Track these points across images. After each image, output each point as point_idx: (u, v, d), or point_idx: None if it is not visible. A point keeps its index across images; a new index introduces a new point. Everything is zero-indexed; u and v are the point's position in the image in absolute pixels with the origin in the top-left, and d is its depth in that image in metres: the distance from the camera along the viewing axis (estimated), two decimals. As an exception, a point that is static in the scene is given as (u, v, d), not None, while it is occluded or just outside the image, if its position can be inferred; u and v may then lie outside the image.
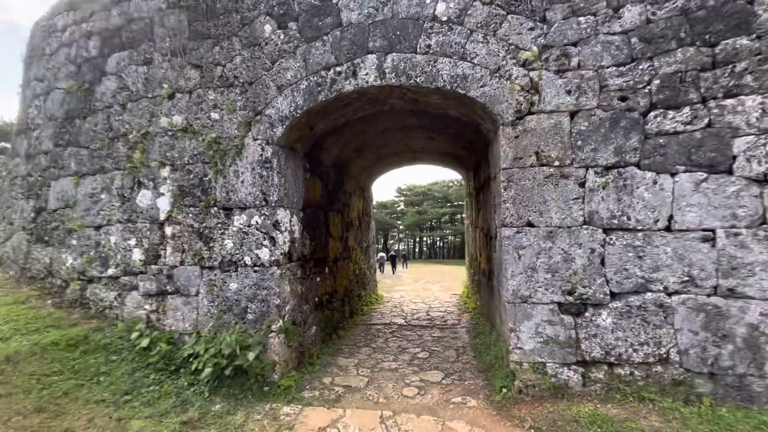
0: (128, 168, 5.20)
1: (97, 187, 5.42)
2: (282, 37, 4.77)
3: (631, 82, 3.94)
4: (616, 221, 3.92)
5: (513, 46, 4.26)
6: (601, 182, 3.97)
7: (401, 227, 54.39)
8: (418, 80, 4.42)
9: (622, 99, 3.97)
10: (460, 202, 49.97)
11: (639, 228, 3.85)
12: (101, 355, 4.50)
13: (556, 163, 4.10)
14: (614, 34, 4.02)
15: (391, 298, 11.19)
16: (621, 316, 3.85)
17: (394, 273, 24.86)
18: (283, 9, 4.80)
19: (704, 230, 3.69)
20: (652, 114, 3.88)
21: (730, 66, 3.67)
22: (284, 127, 4.70)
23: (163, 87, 5.09)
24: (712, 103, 3.71)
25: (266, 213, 4.68)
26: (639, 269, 3.84)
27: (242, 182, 4.76)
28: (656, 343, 3.75)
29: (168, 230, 4.97)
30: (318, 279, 6.05)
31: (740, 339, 3.55)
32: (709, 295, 3.65)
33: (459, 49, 4.36)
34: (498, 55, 4.28)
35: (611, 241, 3.93)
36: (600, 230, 3.96)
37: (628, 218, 3.89)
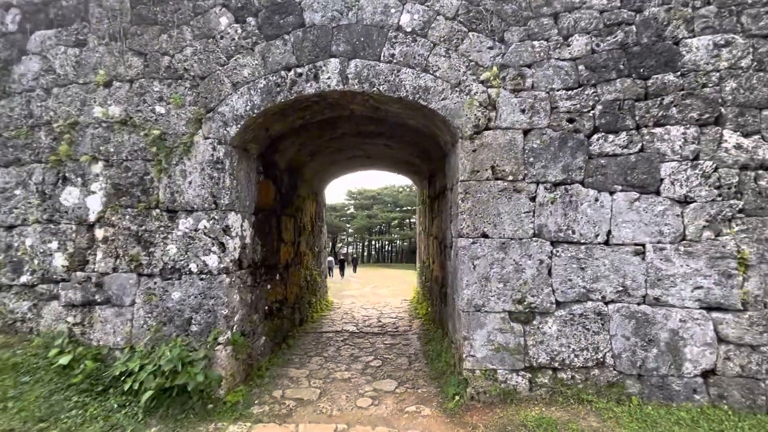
0: (51, 161, 4.59)
1: (10, 180, 4.72)
2: (239, 31, 4.52)
3: (578, 106, 4.25)
4: (562, 234, 4.20)
5: (473, 63, 4.41)
6: (550, 197, 4.23)
7: (350, 230, 54.25)
8: (381, 88, 4.41)
9: (570, 121, 4.27)
10: (410, 207, 50.99)
11: (582, 241, 4.16)
12: (9, 377, 3.90)
13: (510, 178, 4.29)
14: (564, 60, 4.32)
15: (342, 304, 11.05)
16: (565, 324, 4.12)
17: (342, 277, 24.65)
18: (241, 2, 4.55)
19: (636, 245, 4.07)
20: (595, 136, 4.22)
21: (659, 98, 4.11)
22: (239, 126, 4.45)
23: (99, 73, 4.58)
24: (644, 130, 4.12)
25: (216, 217, 4.38)
26: (581, 280, 4.13)
27: (190, 183, 4.41)
28: (594, 348, 4.06)
29: (99, 233, 4.46)
30: (269, 286, 5.79)
31: (663, 343, 3.95)
32: (639, 304, 4.03)
33: (422, 60, 4.42)
34: (459, 70, 4.41)
35: (558, 253, 4.20)
36: (548, 243, 4.21)
37: (573, 232, 4.18)
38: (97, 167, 4.52)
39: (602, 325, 4.07)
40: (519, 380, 4.11)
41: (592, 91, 4.25)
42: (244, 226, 4.82)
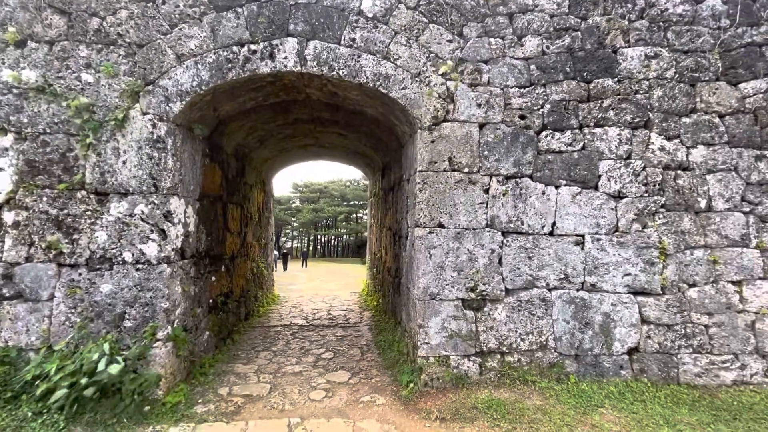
0: (-56, 130, 3.86)
1: None
2: (185, -2, 4.12)
3: (530, 103, 4.48)
4: (512, 225, 4.41)
5: (433, 54, 4.45)
6: (502, 190, 4.42)
7: (296, 224, 52.90)
8: (340, 73, 4.29)
9: (522, 117, 4.49)
10: (357, 202, 50.90)
11: (530, 232, 4.40)
12: None
13: (466, 170, 4.41)
14: (518, 58, 4.51)
15: (289, 297, 10.72)
16: (513, 310, 4.34)
17: (285, 270, 24.02)
18: (187, -34, 4.14)
19: (577, 235, 4.40)
20: (543, 133, 4.47)
21: (599, 101, 4.46)
22: (184, 103, 4.07)
23: (8, 30, 3.91)
24: (586, 130, 4.45)
25: (156, 201, 3.97)
26: (529, 268, 4.38)
27: (124, 163, 3.95)
28: (538, 332, 4.34)
29: (8, 216, 3.84)
30: (213, 278, 5.41)
31: (597, 325, 4.33)
32: (578, 290, 4.37)
33: (383, 48, 4.37)
34: (419, 61, 4.42)
35: (508, 243, 4.40)
36: (499, 233, 4.40)
37: (522, 223, 4.41)
38: (6, 140, 3.87)
39: (546, 310, 4.35)
40: (470, 365, 4.26)
41: (542, 90, 4.49)
42: (188, 212, 4.44)
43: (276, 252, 25.71)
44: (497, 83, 4.48)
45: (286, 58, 4.21)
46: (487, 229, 4.39)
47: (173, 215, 4.09)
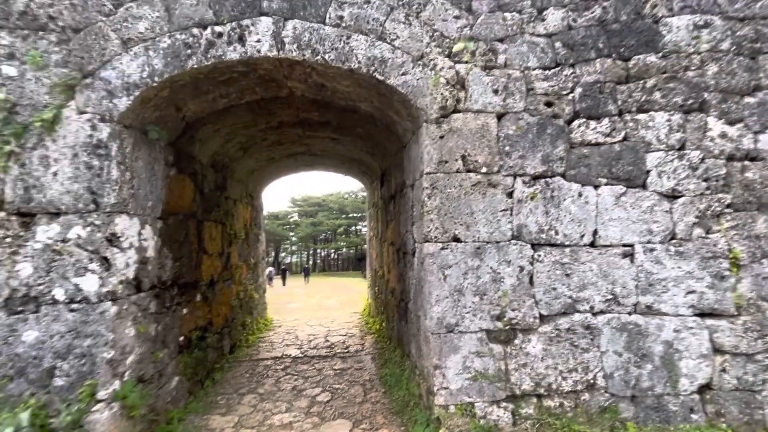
0: None
1: None
2: (132, -29, 3.36)
3: (556, 88, 3.70)
4: (544, 236, 3.58)
5: (438, 33, 3.69)
6: (529, 193, 3.60)
7: (294, 239, 52.04)
8: (326, 57, 3.51)
9: (548, 104, 3.70)
10: (356, 214, 50.23)
11: (566, 243, 3.57)
12: None
13: (484, 170, 3.61)
14: (539, 35, 3.75)
15: (283, 321, 9.78)
16: (550, 341, 3.48)
17: (284, 286, 23.06)
18: (135, -66, 3.40)
19: (624, 245, 3.57)
20: (575, 123, 3.68)
21: (642, 81, 3.68)
22: (132, 98, 3.27)
23: None
24: (627, 117, 3.66)
25: (96, 222, 3.14)
26: (567, 288, 3.53)
27: (55, 175, 3.13)
28: (584, 368, 3.46)
29: None
30: (185, 311, 4.54)
31: (658, 357, 3.46)
32: (630, 314, 3.52)
33: (377, 26, 3.60)
34: (421, 41, 3.65)
35: (540, 258, 3.57)
36: (528, 246, 3.57)
37: (556, 233, 3.58)
38: None
39: (591, 340, 3.49)
40: (500, 413, 3.38)
41: (571, 71, 3.72)
42: (144, 233, 3.60)
43: (272, 269, 24.85)
44: (516, 65, 3.71)
45: (259, 41, 3.43)
46: (513, 241, 3.56)
47: (121, 238, 3.25)
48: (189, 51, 3.36)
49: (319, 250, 57.36)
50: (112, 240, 3.19)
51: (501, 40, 3.73)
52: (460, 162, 3.60)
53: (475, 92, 3.66)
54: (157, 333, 3.80)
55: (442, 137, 3.60)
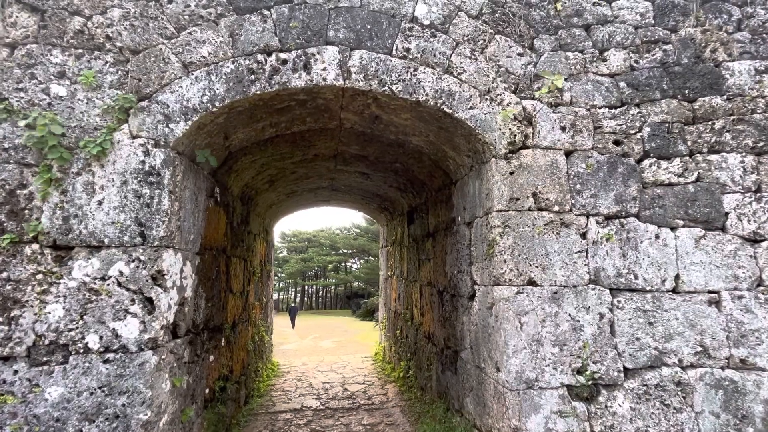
0: None
1: None
2: (198, -4, 3.24)
3: (624, 126, 3.61)
4: (623, 280, 3.33)
5: (503, 69, 3.62)
6: (604, 234, 3.39)
7: (282, 275, 50.77)
8: (393, 88, 3.37)
9: (617, 143, 3.59)
10: (347, 251, 49.58)
11: (647, 289, 3.32)
12: None
13: (556, 208, 3.41)
14: (603, 75, 3.71)
15: (290, 365, 9.08)
16: (638, 400, 3.13)
17: (293, 329, 22.03)
18: (203, -39, 3.32)
19: (710, 292, 3.33)
20: (646, 162, 3.56)
21: (709, 122, 3.63)
22: (189, 124, 3.03)
23: (-44, 31, 2.91)
24: (699, 157, 3.57)
25: (142, 257, 2.78)
26: (652, 338, 3.24)
27: (100, 204, 2.80)
28: (679, 431, 3.10)
29: None
30: (211, 358, 4.05)
31: (759, 419, 3.13)
32: (723, 368, 3.22)
33: (444, 60, 3.52)
34: (488, 76, 3.57)
35: (620, 305, 3.29)
36: (607, 291, 3.31)
37: (635, 277, 3.34)
38: (-71, 173, 2.71)
39: (684, 398, 3.15)
40: (589, 486, 2.95)
41: (637, 111, 3.65)
42: (185, 271, 3.23)
43: (294, 305, 23.84)
44: (582, 103, 3.63)
45: (325, 69, 3.29)
46: (590, 285, 3.30)
47: (166, 276, 2.88)
48: (253, 77, 3.18)
49: (307, 287, 55.92)
50: (157, 278, 2.82)
51: (565, 78, 3.68)
52: (532, 200, 3.40)
53: (543, 128, 3.54)
54: (188, 386, 3.32)
55: (512, 173, 3.42)
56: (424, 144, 4.31)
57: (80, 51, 3.01)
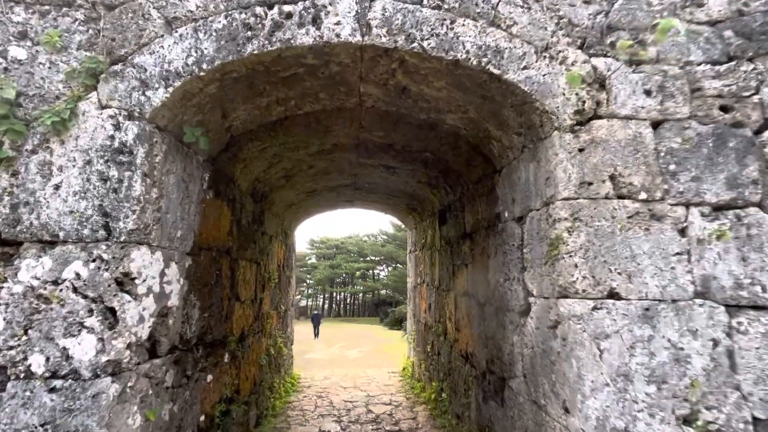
0: None
1: None
2: (187, -59, 2.67)
3: (733, 88, 2.71)
4: (744, 293, 2.42)
5: (565, 21, 2.82)
6: (713, 230, 2.49)
7: (311, 282, 50.83)
8: (424, 45, 2.66)
9: (725, 109, 2.69)
10: (374, 258, 49.08)
11: (782, 306, 2.39)
12: None
13: (642, 196, 2.55)
14: (700, 23, 2.83)
15: (312, 380, 8.44)
16: (778, 465, 2.19)
17: (316, 338, 21.59)
18: None
19: None
20: (767, 134, 2.64)
21: None
22: (171, 91, 2.45)
23: None
24: None
25: (104, 255, 2.19)
26: (793, 377, 2.30)
27: (57, 188, 2.25)
28: None
29: None
30: (209, 378, 3.44)
31: None
32: None
33: (488, 9, 2.77)
34: (545, 28, 2.78)
35: (741, 327, 2.38)
36: (722, 308, 2.40)
37: (763, 289, 2.41)
38: None
39: None
40: None
41: (751, 67, 2.74)
42: (169, 274, 2.63)
43: (318, 312, 23.58)
44: (672, 59, 2.76)
45: (338, 23, 2.63)
46: (697, 300, 2.41)
47: (136, 281, 2.27)
48: (249, 33, 2.56)
49: (335, 294, 55.76)
50: (124, 283, 2.22)
51: (647, 29, 2.83)
52: (609, 184, 2.56)
53: (620, 93, 2.70)
54: (172, 416, 2.69)
55: (581, 150, 2.61)
56: (461, 123, 3.56)
57: (47, 7, 2.51)
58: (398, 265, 43.72)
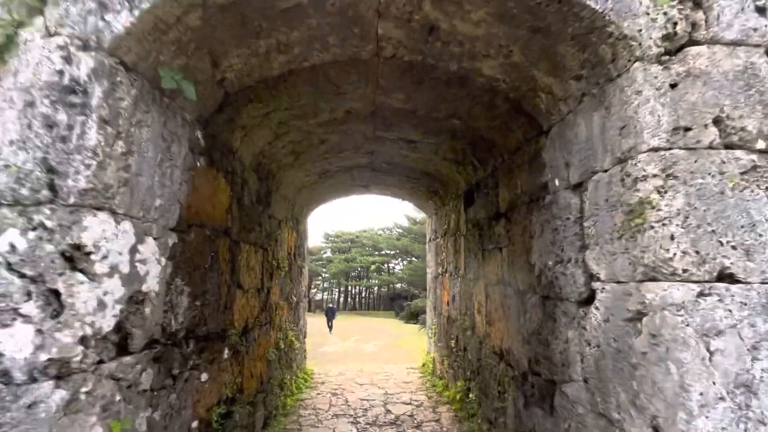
0: None
1: None
2: None
3: None
4: None
5: None
6: None
7: (326, 275, 50.87)
8: (463, -46, 2.04)
9: None
10: (389, 251, 48.71)
11: None
12: None
13: (759, 145, 1.90)
14: None
15: (326, 375, 7.97)
16: None
17: (330, 332, 21.29)
18: None
19: None
20: None
21: None
22: (137, 14, 1.90)
23: None
24: None
25: (48, 222, 1.68)
26: None
27: (-11, 136, 1.74)
28: None
29: None
30: (204, 377, 2.94)
31: None
32: None
33: None
34: (620, -69, 2.13)
35: None
36: None
37: None
38: None
39: None
40: None
41: None
42: (143, 251, 2.11)
43: (332, 305, 23.31)
44: (793, -34, 2.07)
45: (350, -72, 2.03)
46: None
47: (93, 256, 1.76)
48: (237, -58, 2.00)
49: (350, 288, 55.70)
50: (75, 258, 1.71)
51: (757, -69, 2.13)
52: (714, 130, 1.91)
53: (724, 11, 2.03)
54: (151, 426, 2.19)
55: (673, 86, 1.96)
56: (501, 73, 2.93)
57: None
58: (413, 258, 43.29)
